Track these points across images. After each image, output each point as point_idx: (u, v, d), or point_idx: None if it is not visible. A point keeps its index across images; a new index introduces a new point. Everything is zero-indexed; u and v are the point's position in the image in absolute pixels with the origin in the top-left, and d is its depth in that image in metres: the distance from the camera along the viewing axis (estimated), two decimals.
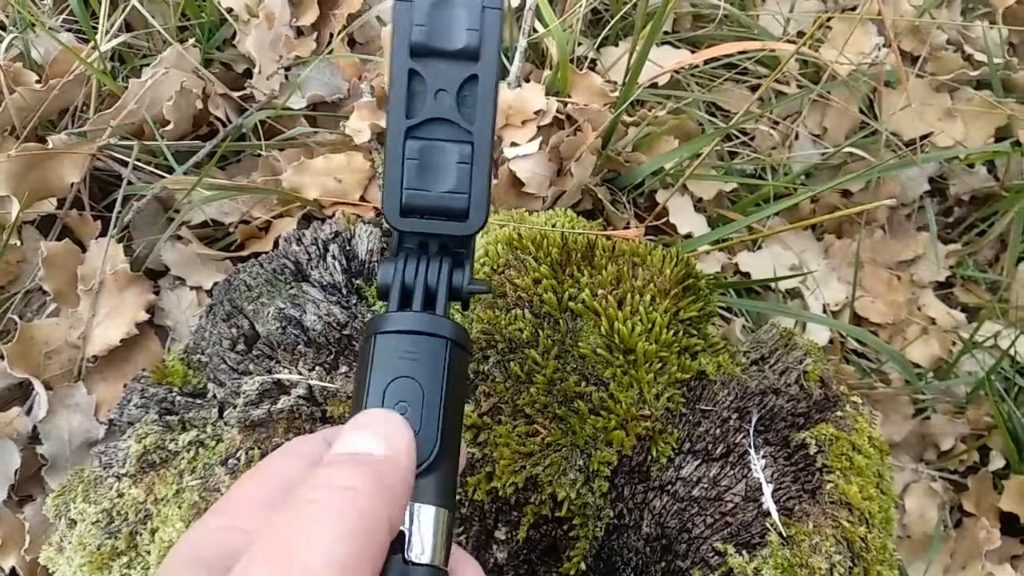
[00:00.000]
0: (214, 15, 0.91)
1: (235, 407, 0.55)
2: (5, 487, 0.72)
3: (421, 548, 0.29)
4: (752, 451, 0.53)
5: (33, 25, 0.86)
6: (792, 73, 1.03)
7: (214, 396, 0.58)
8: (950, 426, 0.89)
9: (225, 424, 0.56)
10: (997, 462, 0.86)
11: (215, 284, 0.76)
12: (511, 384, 0.53)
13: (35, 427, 0.73)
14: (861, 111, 1.03)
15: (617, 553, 0.50)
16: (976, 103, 1.04)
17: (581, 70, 0.90)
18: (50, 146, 0.77)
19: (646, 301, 0.58)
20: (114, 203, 0.79)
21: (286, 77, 0.88)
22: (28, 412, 0.74)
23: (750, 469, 0.52)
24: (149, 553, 0.55)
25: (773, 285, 0.90)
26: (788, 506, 0.51)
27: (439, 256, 0.31)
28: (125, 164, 0.80)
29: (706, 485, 0.51)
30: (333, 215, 0.81)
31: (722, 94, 1.00)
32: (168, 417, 0.58)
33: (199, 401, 0.58)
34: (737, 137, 0.99)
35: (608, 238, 0.64)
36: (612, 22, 0.97)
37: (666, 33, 1.01)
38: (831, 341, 0.91)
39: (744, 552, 0.49)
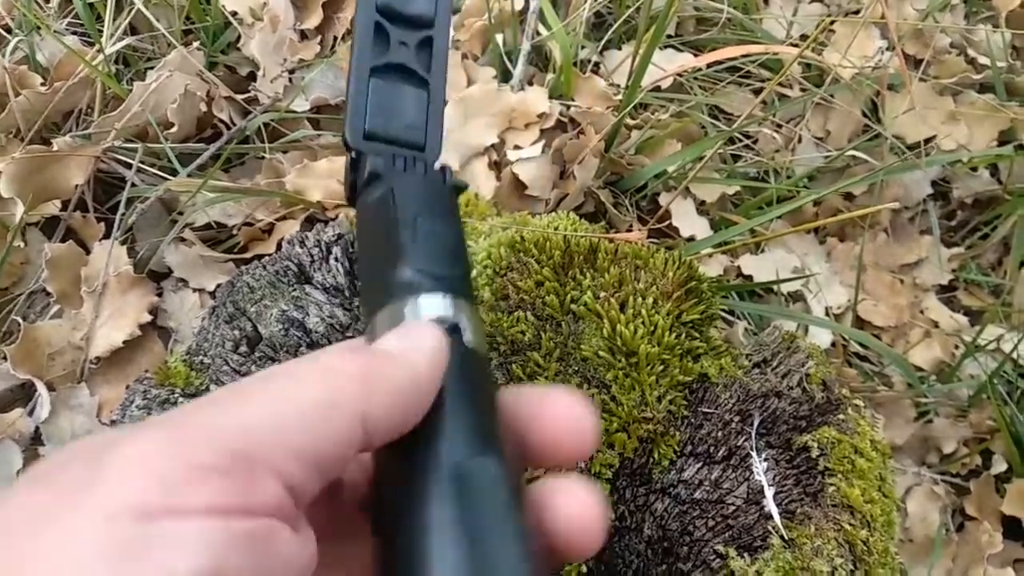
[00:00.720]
0: (218, 18, 0.91)
1: None
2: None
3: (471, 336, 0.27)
4: (754, 454, 0.53)
5: (38, 28, 0.87)
6: (795, 76, 1.03)
7: None
8: (952, 429, 0.89)
9: None
10: (999, 466, 0.86)
11: (218, 286, 0.77)
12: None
13: (37, 428, 0.73)
14: (864, 114, 1.03)
15: (619, 555, 0.50)
16: (979, 107, 1.04)
17: (584, 73, 0.90)
18: (55, 148, 0.78)
19: (648, 304, 0.58)
20: (118, 205, 0.80)
21: (290, 80, 0.89)
22: (31, 413, 0.74)
23: (752, 472, 0.52)
24: None
25: (776, 288, 0.90)
26: (790, 509, 0.52)
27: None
28: (129, 166, 0.80)
29: (708, 488, 0.51)
30: (336, 217, 0.82)
31: (725, 97, 1.00)
32: None
33: None
34: (740, 140, 0.99)
35: (611, 241, 0.64)
36: (615, 25, 0.97)
37: (669, 37, 1.01)
38: (833, 344, 0.91)
39: (746, 555, 0.49)
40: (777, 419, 0.56)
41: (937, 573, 0.81)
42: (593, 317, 0.57)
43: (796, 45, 0.98)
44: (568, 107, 0.86)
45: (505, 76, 0.89)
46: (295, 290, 0.59)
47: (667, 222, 0.86)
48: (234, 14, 0.90)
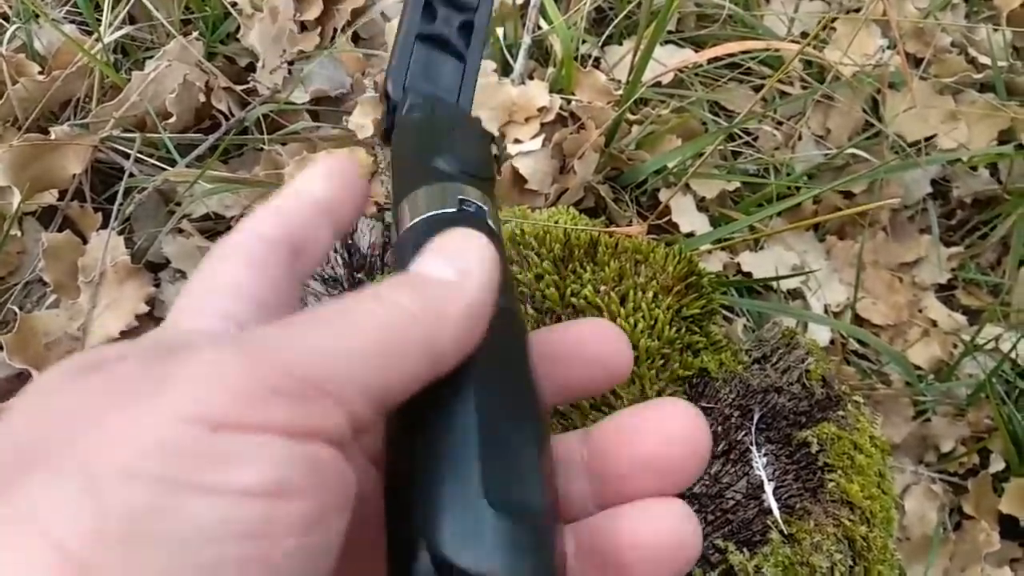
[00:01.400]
0: (218, 9, 0.91)
1: None
2: None
3: None
4: (754, 449, 0.53)
5: (37, 16, 0.86)
6: (796, 73, 1.03)
7: None
8: (950, 428, 0.89)
9: None
10: (997, 464, 0.86)
11: None
12: None
13: None
14: (864, 112, 1.03)
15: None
16: (980, 106, 1.04)
17: (585, 68, 0.90)
18: (52, 137, 0.77)
19: (648, 298, 0.58)
20: (115, 195, 0.79)
21: (289, 72, 0.88)
22: None
23: (751, 467, 0.52)
24: None
25: (775, 285, 0.90)
26: (789, 504, 0.51)
27: None
28: (127, 156, 0.80)
29: (707, 482, 0.51)
30: None
31: (726, 94, 1.00)
32: None
33: None
34: (740, 137, 0.99)
35: (611, 235, 0.64)
36: (616, 20, 0.97)
37: (670, 32, 1.01)
38: (832, 342, 0.90)
39: (745, 550, 0.49)
40: (777, 414, 0.56)
41: (934, 572, 0.81)
42: (593, 311, 0.56)
43: (797, 42, 0.98)
44: (569, 101, 0.86)
45: (506, 70, 0.88)
46: None
47: (667, 218, 0.86)
48: (234, 4, 0.90)
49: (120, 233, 0.79)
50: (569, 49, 0.86)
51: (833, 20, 1.04)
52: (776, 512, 0.50)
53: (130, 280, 0.77)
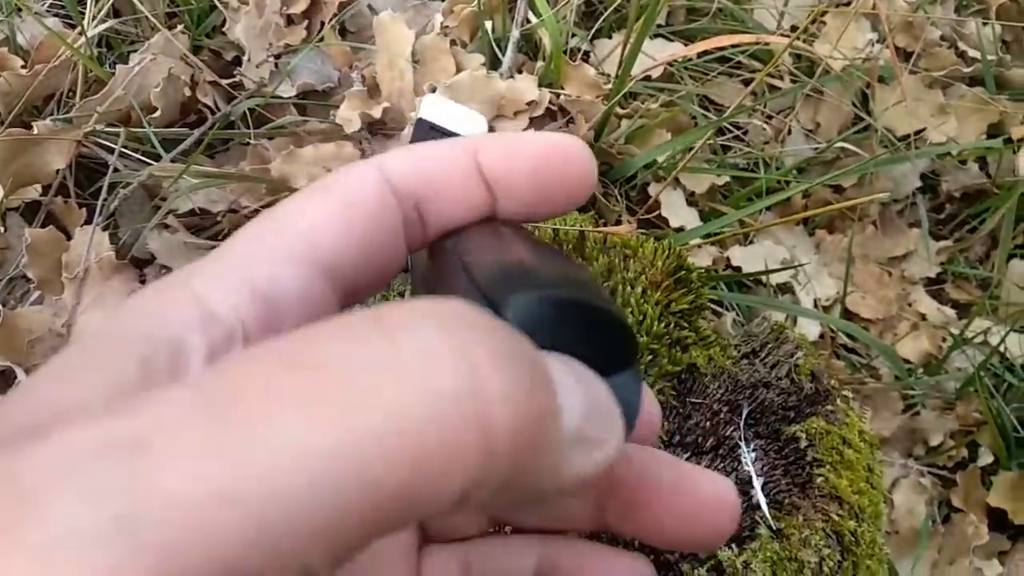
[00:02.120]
0: (203, 2, 0.90)
1: None
2: None
3: None
4: (742, 444, 0.52)
5: (19, 9, 0.85)
6: (786, 67, 1.03)
7: None
8: (939, 422, 0.89)
9: None
10: (986, 458, 0.86)
11: None
12: None
13: None
14: (854, 106, 1.03)
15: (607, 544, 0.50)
16: (969, 100, 1.04)
17: (574, 61, 0.90)
18: (35, 132, 0.76)
19: (637, 293, 0.57)
20: (100, 190, 0.78)
21: (276, 65, 0.88)
22: None
23: (740, 462, 0.51)
24: None
25: (764, 279, 0.90)
26: (778, 499, 0.51)
27: None
28: (111, 151, 0.79)
29: None
30: None
31: (715, 88, 1.00)
32: None
33: None
34: (730, 131, 0.98)
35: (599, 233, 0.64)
36: (606, 14, 0.97)
37: (659, 26, 1.00)
38: (822, 336, 0.90)
39: (733, 545, 0.49)
40: (766, 409, 0.56)
41: (923, 564, 0.81)
42: None
43: (787, 36, 0.98)
44: (558, 95, 0.85)
45: (494, 63, 0.88)
46: None
47: (656, 212, 0.86)
48: None
49: (105, 229, 0.78)
50: (558, 43, 0.86)
51: (823, 14, 1.04)
52: (765, 508, 0.50)
53: (115, 276, 0.76)
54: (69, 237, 0.77)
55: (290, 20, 0.90)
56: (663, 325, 0.56)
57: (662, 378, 0.55)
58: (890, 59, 0.98)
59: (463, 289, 0.19)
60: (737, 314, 0.86)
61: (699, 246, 0.88)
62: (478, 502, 0.14)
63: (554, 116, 0.85)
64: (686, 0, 1.03)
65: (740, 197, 0.93)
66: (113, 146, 0.78)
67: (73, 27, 0.85)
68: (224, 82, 0.86)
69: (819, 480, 0.53)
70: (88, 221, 0.78)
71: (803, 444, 0.55)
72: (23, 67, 0.81)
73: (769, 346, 0.61)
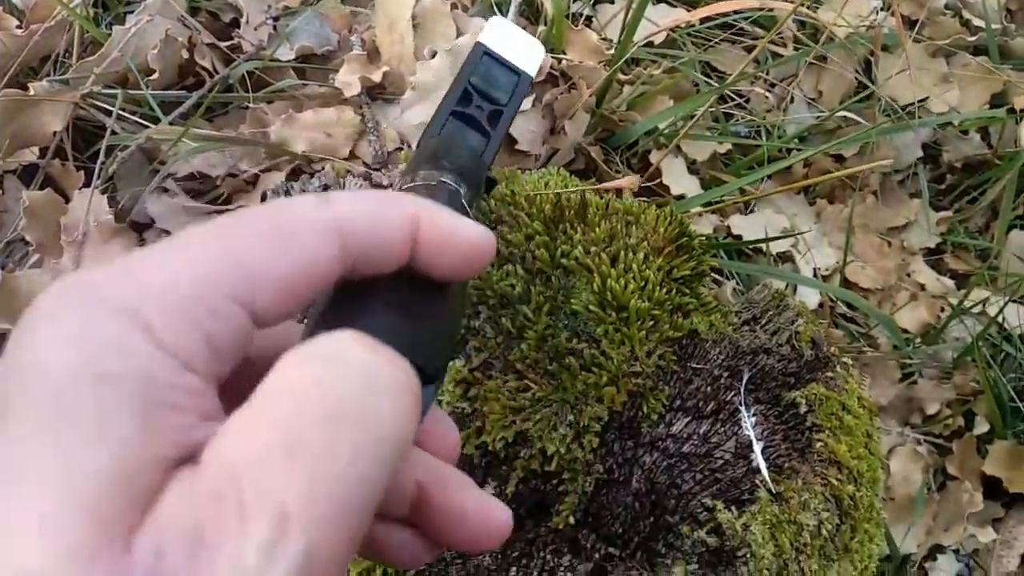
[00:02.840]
0: None
1: None
2: None
3: None
4: (743, 409, 0.53)
5: None
6: (789, 33, 1.02)
7: None
8: (936, 391, 0.89)
9: None
10: (982, 427, 0.87)
11: None
12: (502, 340, 0.53)
13: None
14: (857, 74, 1.02)
15: (606, 508, 0.50)
16: (972, 69, 1.03)
17: (576, 27, 0.89)
18: (31, 93, 0.75)
19: (639, 259, 0.57)
20: (98, 153, 0.78)
21: (275, 28, 0.86)
22: None
23: (740, 427, 0.52)
24: None
25: (765, 248, 0.90)
26: (778, 463, 0.52)
27: None
28: (109, 113, 0.78)
29: (696, 442, 0.51)
30: (322, 169, 0.80)
31: (718, 54, 0.99)
32: None
33: None
34: (732, 99, 0.98)
35: (601, 196, 0.63)
36: None
37: None
38: (821, 305, 0.91)
39: (733, 508, 0.49)
40: (766, 375, 0.56)
41: (918, 530, 0.82)
42: (583, 271, 0.56)
43: (790, 2, 0.97)
44: (559, 61, 0.85)
45: None
46: None
47: (657, 180, 0.86)
48: None
49: (103, 192, 0.77)
50: (560, 7, 0.85)
51: None
52: (764, 471, 0.50)
53: (114, 240, 0.76)
54: (67, 200, 0.77)
55: None
56: (664, 291, 0.56)
57: (663, 343, 0.55)
58: (894, 27, 0.97)
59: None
60: (737, 282, 0.86)
61: (700, 214, 0.88)
62: None
63: (556, 82, 0.84)
64: None
65: (741, 165, 0.93)
66: (111, 108, 0.78)
67: None
68: (222, 44, 0.85)
69: (818, 445, 0.53)
70: (86, 184, 0.77)
71: (803, 410, 0.55)
72: (18, 27, 0.80)
73: (770, 313, 0.61)
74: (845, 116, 0.98)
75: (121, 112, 0.78)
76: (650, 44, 0.91)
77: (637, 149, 0.87)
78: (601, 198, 0.64)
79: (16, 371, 0.18)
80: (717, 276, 0.85)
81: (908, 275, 0.99)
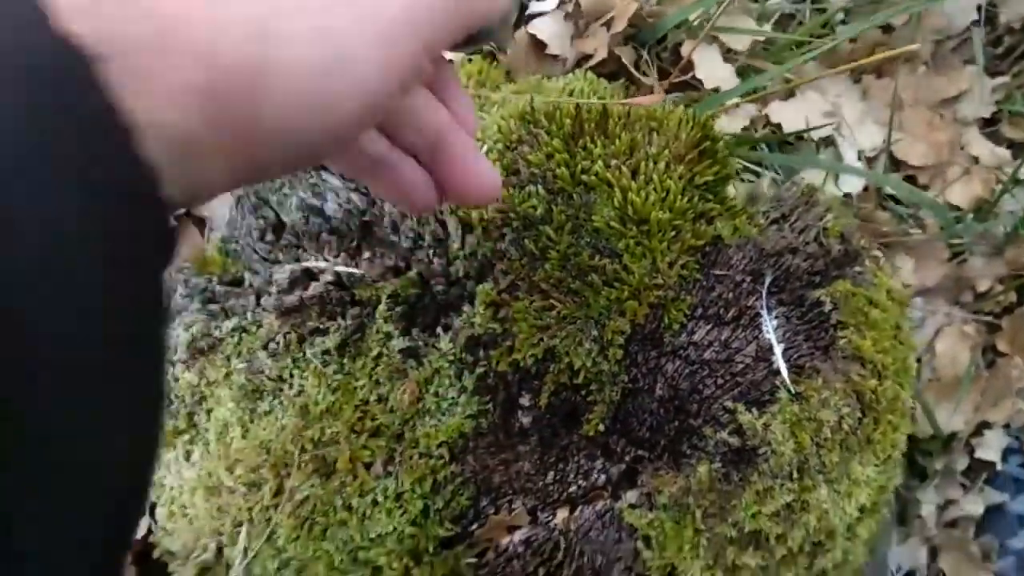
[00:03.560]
0: None
1: (270, 295, 0.59)
2: None
3: None
4: (764, 312, 0.54)
5: None
6: None
7: (250, 284, 0.61)
8: (988, 267, 0.88)
9: (263, 310, 0.60)
10: None
11: None
12: (527, 261, 0.55)
13: None
14: None
15: (632, 415, 0.53)
16: None
17: None
18: None
19: (660, 169, 0.58)
20: None
21: None
22: None
23: (761, 331, 0.53)
24: (207, 431, 0.60)
25: (805, 135, 0.88)
26: (799, 364, 0.53)
27: None
28: None
29: (717, 348, 0.53)
30: None
31: None
32: (211, 306, 0.61)
33: (237, 290, 0.61)
34: None
35: (624, 105, 0.63)
36: None
37: None
38: (866, 188, 0.89)
39: (754, 410, 0.51)
40: (790, 276, 0.57)
41: (966, 408, 0.83)
42: (604, 187, 0.57)
43: None
44: None
45: None
46: (312, 178, 0.60)
47: (691, 74, 0.84)
48: None
49: None
50: None
51: None
52: (784, 372, 0.52)
53: None
54: None
55: None
56: (687, 199, 0.57)
57: (685, 253, 0.56)
58: None
59: None
60: (776, 172, 0.85)
61: (736, 105, 0.86)
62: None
63: None
64: None
65: (782, 47, 0.90)
66: None
67: None
68: None
69: (842, 342, 0.55)
70: None
71: (827, 308, 0.56)
72: None
73: (799, 210, 0.62)
74: None
75: None
76: None
77: (667, 43, 0.85)
78: (623, 106, 0.64)
79: None
80: (756, 168, 0.85)
81: (961, 148, 0.96)
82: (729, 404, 0.51)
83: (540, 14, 0.81)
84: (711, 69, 0.84)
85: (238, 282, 0.62)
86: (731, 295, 0.55)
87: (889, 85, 0.95)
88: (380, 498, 0.57)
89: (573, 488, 0.55)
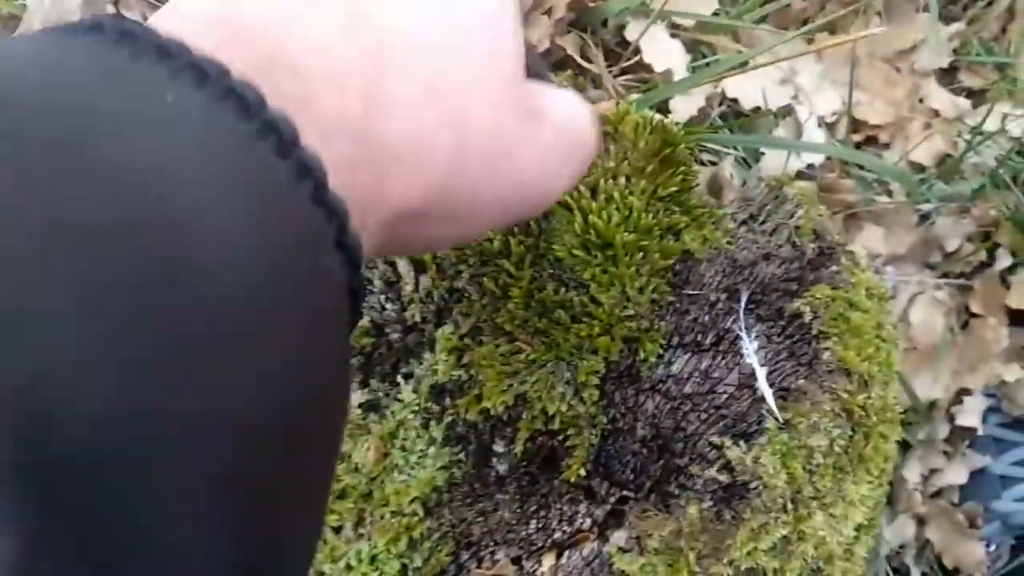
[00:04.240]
0: None
1: None
2: None
3: None
4: (743, 334, 0.51)
5: None
6: None
7: None
8: (955, 227, 0.86)
9: None
10: (1004, 261, 0.84)
11: None
12: (488, 301, 0.51)
13: None
14: None
15: (615, 457, 0.50)
16: None
17: None
18: None
19: (620, 184, 0.54)
20: None
21: None
22: None
23: (742, 356, 0.50)
24: None
25: (763, 107, 0.84)
26: (784, 386, 0.51)
27: None
28: None
29: (698, 379, 0.50)
30: None
31: None
32: None
33: None
34: None
35: None
36: None
37: None
38: (829, 158, 0.86)
39: (741, 443, 0.49)
40: (767, 288, 0.54)
41: (943, 375, 0.82)
42: (563, 210, 0.53)
43: None
44: None
45: None
46: None
47: (639, 57, 0.80)
48: None
49: None
50: None
51: None
52: (770, 399, 0.49)
53: None
54: None
55: None
56: (651, 216, 0.53)
57: (655, 275, 0.52)
58: None
59: None
60: (736, 150, 0.82)
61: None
62: None
63: None
64: None
65: (733, 18, 0.86)
66: None
67: None
68: None
69: (825, 355, 0.52)
70: None
71: (808, 319, 0.53)
72: None
73: (767, 208, 0.58)
74: None
75: None
76: None
77: (609, 26, 0.81)
78: None
79: None
80: (718, 148, 0.81)
81: (921, 101, 0.93)
82: (715, 440, 0.49)
83: None
84: (658, 49, 0.80)
85: None
86: (707, 317, 0.52)
87: (843, 42, 0.91)
88: (354, 562, 0.54)
89: (558, 534, 0.52)
